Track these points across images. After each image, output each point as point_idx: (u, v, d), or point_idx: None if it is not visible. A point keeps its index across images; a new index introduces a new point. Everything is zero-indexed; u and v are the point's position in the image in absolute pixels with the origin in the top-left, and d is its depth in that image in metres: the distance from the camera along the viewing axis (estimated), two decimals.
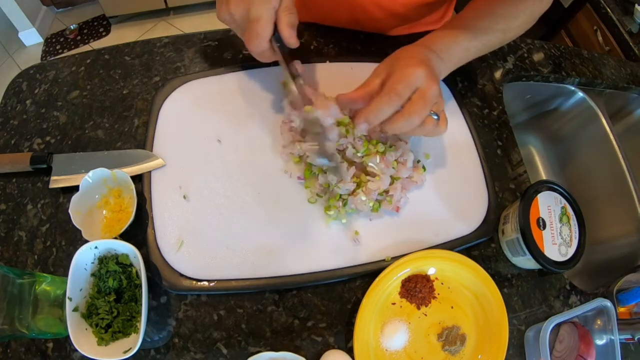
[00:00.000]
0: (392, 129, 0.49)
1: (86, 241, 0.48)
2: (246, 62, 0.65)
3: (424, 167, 0.59)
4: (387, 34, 0.73)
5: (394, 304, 0.52)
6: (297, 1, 0.72)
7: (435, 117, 0.50)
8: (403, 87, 0.46)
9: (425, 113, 0.48)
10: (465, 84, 0.71)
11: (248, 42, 0.49)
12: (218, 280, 0.51)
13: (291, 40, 0.50)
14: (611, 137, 0.78)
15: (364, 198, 0.53)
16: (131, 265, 0.50)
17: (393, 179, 0.55)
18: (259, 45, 0.49)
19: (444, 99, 0.55)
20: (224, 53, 0.68)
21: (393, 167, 0.55)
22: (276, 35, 0.50)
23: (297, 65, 0.54)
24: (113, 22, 2.29)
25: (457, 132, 0.64)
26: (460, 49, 0.55)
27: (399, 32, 0.73)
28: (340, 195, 0.53)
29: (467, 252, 0.56)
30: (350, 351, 0.49)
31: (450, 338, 0.51)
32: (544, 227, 0.52)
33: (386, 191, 0.54)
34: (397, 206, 0.56)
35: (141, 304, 0.46)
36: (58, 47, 2.19)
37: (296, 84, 0.54)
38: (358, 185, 0.54)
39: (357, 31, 0.73)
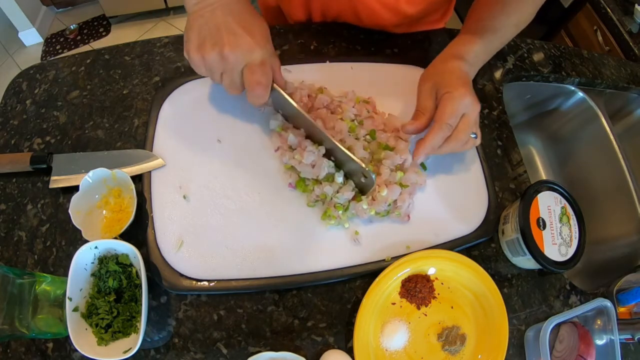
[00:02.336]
0: (440, 153, 0.54)
1: (86, 241, 0.48)
2: None
3: (423, 166, 0.59)
4: (388, 32, 0.73)
5: (394, 304, 0.52)
6: None
7: (474, 135, 0.55)
8: (453, 119, 0.52)
9: (467, 137, 0.53)
10: None
11: (253, 89, 0.49)
12: (218, 280, 0.51)
13: (284, 85, 0.54)
14: (611, 137, 0.78)
15: (365, 206, 0.53)
16: (131, 265, 0.50)
17: (401, 186, 0.55)
18: (264, 94, 0.50)
19: None
20: None
21: (401, 171, 0.55)
22: None
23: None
24: (113, 22, 2.29)
25: None
26: (484, 51, 0.60)
27: (401, 30, 0.73)
28: (340, 203, 0.53)
29: (467, 252, 0.56)
30: (350, 351, 0.49)
31: (450, 338, 0.51)
32: (544, 227, 0.52)
33: (394, 201, 0.54)
34: (407, 215, 0.56)
35: (141, 304, 0.46)
36: (58, 47, 2.19)
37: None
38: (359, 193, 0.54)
39: (357, 31, 0.73)
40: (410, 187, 0.56)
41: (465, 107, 0.52)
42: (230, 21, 0.47)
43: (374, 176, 0.51)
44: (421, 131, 0.55)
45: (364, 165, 0.51)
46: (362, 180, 0.53)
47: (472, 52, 0.58)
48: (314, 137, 0.56)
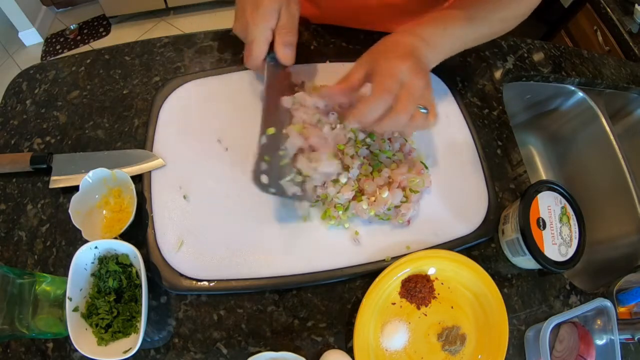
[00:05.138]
0: (381, 129, 0.48)
1: (86, 241, 0.48)
2: None
3: (424, 165, 0.59)
4: (388, 32, 0.73)
5: (394, 304, 0.52)
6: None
7: (424, 110, 0.47)
8: (392, 84, 0.45)
9: (412, 109, 0.46)
10: (465, 84, 0.71)
11: (245, 59, 0.55)
12: (218, 280, 0.51)
13: (285, 59, 0.55)
14: (611, 137, 0.78)
15: (365, 207, 0.53)
16: (131, 265, 0.50)
17: (411, 192, 0.55)
18: (253, 64, 0.55)
19: (444, 96, 0.54)
20: (224, 53, 0.68)
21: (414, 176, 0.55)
22: (272, 54, 0.54)
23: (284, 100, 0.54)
24: (113, 22, 2.28)
25: (457, 132, 0.64)
26: (452, 37, 0.53)
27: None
28: (340, 204, 0.53)
29: (467, 252, 0.56)
30: (350, 351, 0.49)
31: (450, 338, 0.51)
32: (544, 227, 0.52)
33: (397, 206, 0.54)
34: (408, 220, 0.55)
35: (141, 304, 0.46)
36: (58, 47, 2.19)
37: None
38: (361, 192, 0.54)
39: (357, 31, 0.73)
40: (419, 194, 0.55)
41: (403, 74, 0.45)
42: None
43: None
44: (335, 96, 0.51)
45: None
46: None
47: (431, 32, 0.51)
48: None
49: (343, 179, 0.53)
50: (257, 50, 0.53)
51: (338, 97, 0.51)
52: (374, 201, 0.53)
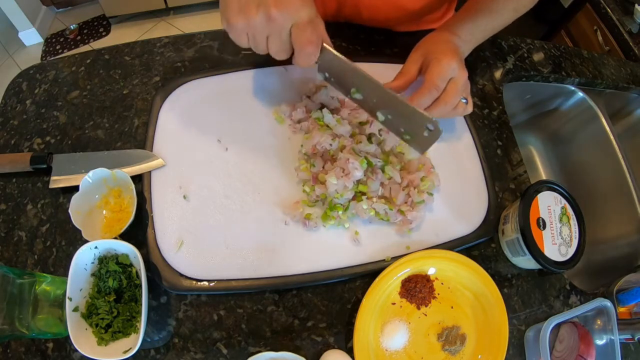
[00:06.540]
0: (430, 115, 0.52)
1: (86, 241, 0.48)
2: (246, 62, 0.66)
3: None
4: (388, 32, 0.73)
5: (394, 304, 0.52)
6: None
7: (464, 100, 0.56)
8: (441, 81, 0.53)
9: (457, 100, 0.55)
10: None
11: (304, 48, 0.46)
12: (218, 280, 0.51)
13: (330, 43, 0.52)
14: (611, 137, 0.78)
15: (365, 207, 0.53)
16: (131, 265, 0.50)
17: (428, 194, 0.55)
18: (315, 52, 0.49)
19: None
20: (224, 53, 0.68)
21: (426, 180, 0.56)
22: None
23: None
24: (113, 22, 2.28)
25: (457, 131, 0.64)
26: (479, 30, 0.62)
27: (401, 29, 0.73)
28: (340, 204, 0.53)
29: (467, 252, 0.56)
30: (350, 351, 0.49)
31: (450, 338, 0.51)
32: (544, 227, 0.52)
33: (401, 211, 0.54)
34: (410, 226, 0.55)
35: (141, 304, 0.46)
36: (58, 47, 2.19)
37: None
38: (362, 193, 0.54)
39: (357, 31, 0.73)
40: (426, 203, 0.55)
41: (453, 72, 0.54)
42: None
43: (440, 125, 0.49)
44: (399, 91, 0.56)
45: (428, 115, 0.49)
46: (426, 134, 0.50)
47: (465, 29, 0.60)
48: (367, 95, 0.53)
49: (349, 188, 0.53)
50: (320, 33, 0.48)
51: (400, 90, 0.57)
52: (374, 201, 0.53)
